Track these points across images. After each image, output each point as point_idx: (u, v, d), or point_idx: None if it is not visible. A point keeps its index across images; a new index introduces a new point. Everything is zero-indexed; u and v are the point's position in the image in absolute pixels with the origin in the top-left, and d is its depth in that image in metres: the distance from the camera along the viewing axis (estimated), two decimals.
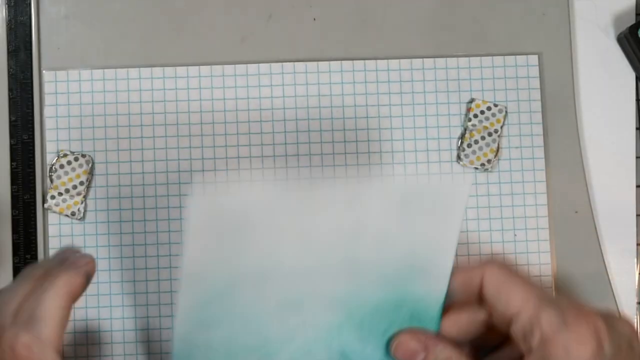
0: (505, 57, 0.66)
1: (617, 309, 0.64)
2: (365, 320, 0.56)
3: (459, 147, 0.65)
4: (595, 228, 0.64)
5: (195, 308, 0.56)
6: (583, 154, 0.65)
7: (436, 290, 0.56)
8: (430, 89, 0.65)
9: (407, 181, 0.61)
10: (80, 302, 0.62)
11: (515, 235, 0.64)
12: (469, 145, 0.64)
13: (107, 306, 0.63)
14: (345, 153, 0.64)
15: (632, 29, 0.63)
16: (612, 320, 0.49)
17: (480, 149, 0.64)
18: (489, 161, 0.64)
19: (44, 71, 0.64)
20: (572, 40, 0.66)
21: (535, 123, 0.65)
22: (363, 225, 0.55)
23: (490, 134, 0.64)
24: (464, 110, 0.65)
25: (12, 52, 0.64)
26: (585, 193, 0.65)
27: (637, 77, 0.66)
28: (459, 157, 0.64)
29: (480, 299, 0.51)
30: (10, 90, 0.64)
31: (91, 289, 0.63)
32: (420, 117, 0.65)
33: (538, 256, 0.64)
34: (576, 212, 0.64)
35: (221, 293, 0.55)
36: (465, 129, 0.64)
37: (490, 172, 0.64)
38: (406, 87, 0.65)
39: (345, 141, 0.65)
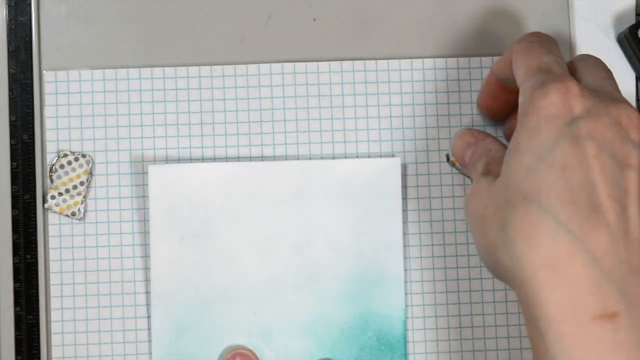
0: None
1: None
2: (336, 348, 0.61)
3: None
4: None
5: (169, 339, 0.62)
6: None
7: (395, 306, 0.60)
8: (431, 89, 0.65)
9: (345, 166, 0.64)
10: (80, 302, 0.63)
11: None
12: None
13: (107, 306, 0.63)
14: (346, 154, 0.64)
15: (632, 29, 0.63)
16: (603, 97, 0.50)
17: None
18: None
19: (44, 71, 0.64)
20: (571, 41, 0.66)
21: None
22: (313, 228, 0.63)
23: None
24: (464, 111, 0.65)
25: (12, 52, 0.64)
26: None
27: (637, 77, 0.66)
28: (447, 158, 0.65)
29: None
30: (10, 90, 0.64)
31: (91, 288, 0.63)
32: (420, 117, 0.65)
33: None
34: None
35: (193, 322, 0.61)
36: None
37: None
38: (406, 87, 0.65)
39: (345, 142, 0.65)
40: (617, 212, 0.45)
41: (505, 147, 0.53)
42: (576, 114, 0.48)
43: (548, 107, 0.48)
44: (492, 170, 0.53)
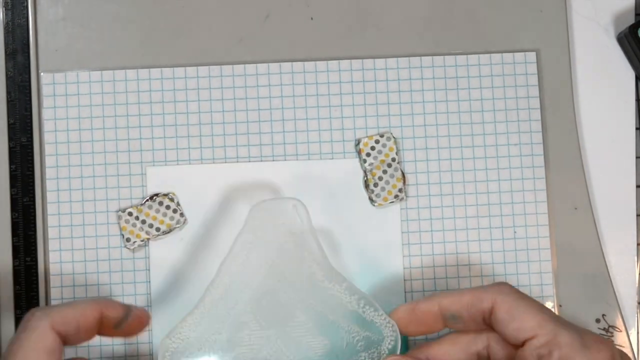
0: (503, 54, 0.65)
1: (618, 307, 0.64)
2: (336, 346, 0.61)
3: (367, 190, 0.64)
4: (595, 225, 0.64)
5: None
6: (582, 151, 0.65)
7: (395, 304, 0.62)
8: (429, 87, 0.65)
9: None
10: None
11: (515, 232, 0.64)
12: (376, 185, 0.64)
13: None
14: (344, 153, 0.64)
15: (632, 29, 0.63)
16: (622, 355, 0.51)
17: (387, 183, 0.64)
18: (400, 190, 0.64)
19: (42, 73, 0.64)
20: (569, 38, 0.66)
21: (533, 120, 0.65)
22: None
23: (389, 165, 0.64)
24: (462, 109, 0.65)
25: (9, 55, 0.64)
26: (584, 190, 0.65)
27: (637, 77, 0.65)
28: (372, 200, 0.64)
29: (484, 322, 0.53)
30: (8, 93, 0.64)
31: (92, 290, 0.63)
32: (419, 115, 0.65)
33: (538, 253, 0.64)
34: (576, 208, 0.64)
35: None
36: (365, 172, 0.64)
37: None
38: (404, 85, 0.65)
39: (343, 141, 0.64)
40: None
41: None
42: None
43: None
44: None
